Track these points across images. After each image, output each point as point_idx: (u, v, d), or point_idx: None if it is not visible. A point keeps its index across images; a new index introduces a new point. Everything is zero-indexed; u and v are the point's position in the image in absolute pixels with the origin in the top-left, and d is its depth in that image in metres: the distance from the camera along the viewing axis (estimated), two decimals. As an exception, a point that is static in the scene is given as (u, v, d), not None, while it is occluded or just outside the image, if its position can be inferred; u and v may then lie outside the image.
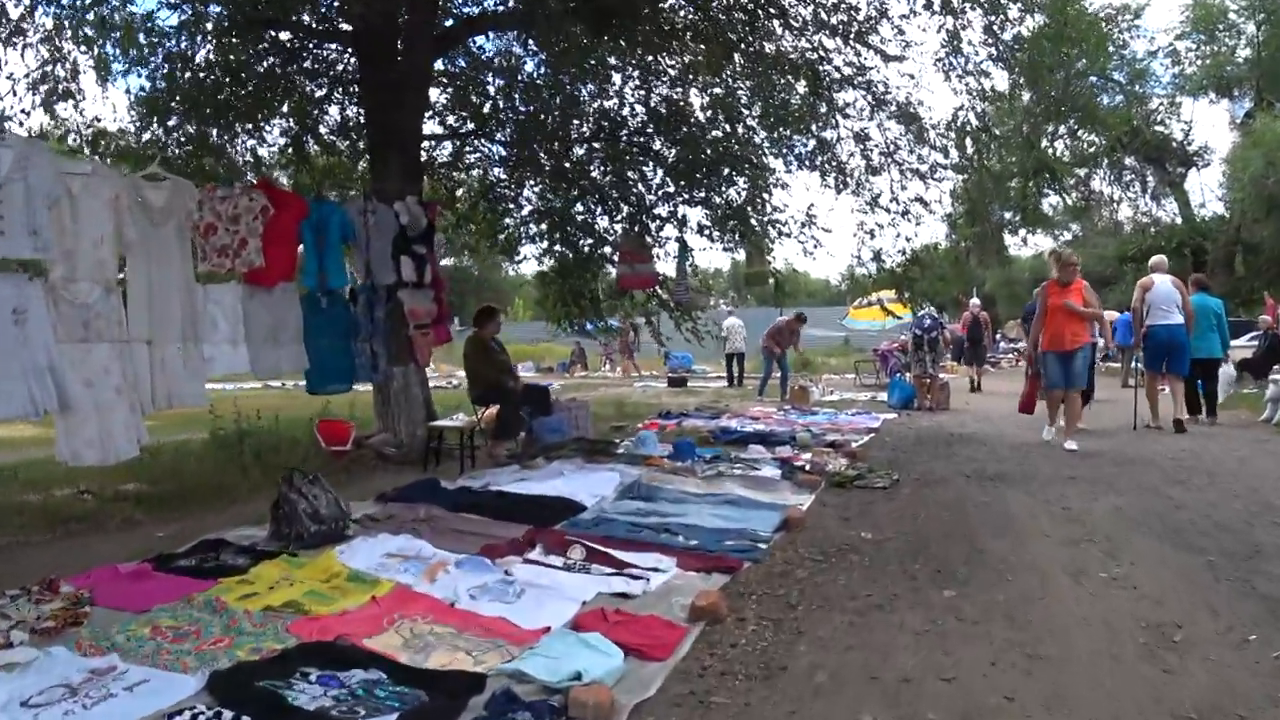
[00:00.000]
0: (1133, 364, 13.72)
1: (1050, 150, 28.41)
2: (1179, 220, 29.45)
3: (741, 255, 10.71)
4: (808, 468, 7.61)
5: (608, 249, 10.44)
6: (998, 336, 41.96)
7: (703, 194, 9.61)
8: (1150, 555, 4.87)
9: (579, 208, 10.22)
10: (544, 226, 10.42)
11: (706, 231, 10.24)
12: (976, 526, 5.56)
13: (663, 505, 6.27)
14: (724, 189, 9.77)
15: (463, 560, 4.77)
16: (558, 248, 10.51)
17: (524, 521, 5.75)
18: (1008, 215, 33.32)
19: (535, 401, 9.70)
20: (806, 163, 10.95)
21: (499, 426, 9.26)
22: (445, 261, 11.57)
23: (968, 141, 10.05)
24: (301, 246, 7.90)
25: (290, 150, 11.03)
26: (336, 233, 8.19)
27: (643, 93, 10.03)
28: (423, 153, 10.45)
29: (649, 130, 9.72)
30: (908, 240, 10.76)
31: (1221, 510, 5.93)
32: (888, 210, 10.84)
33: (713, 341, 12.48)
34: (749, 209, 9.95)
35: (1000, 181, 29.37)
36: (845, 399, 16.37)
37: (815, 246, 10.55)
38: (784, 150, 10.92)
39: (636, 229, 10.05)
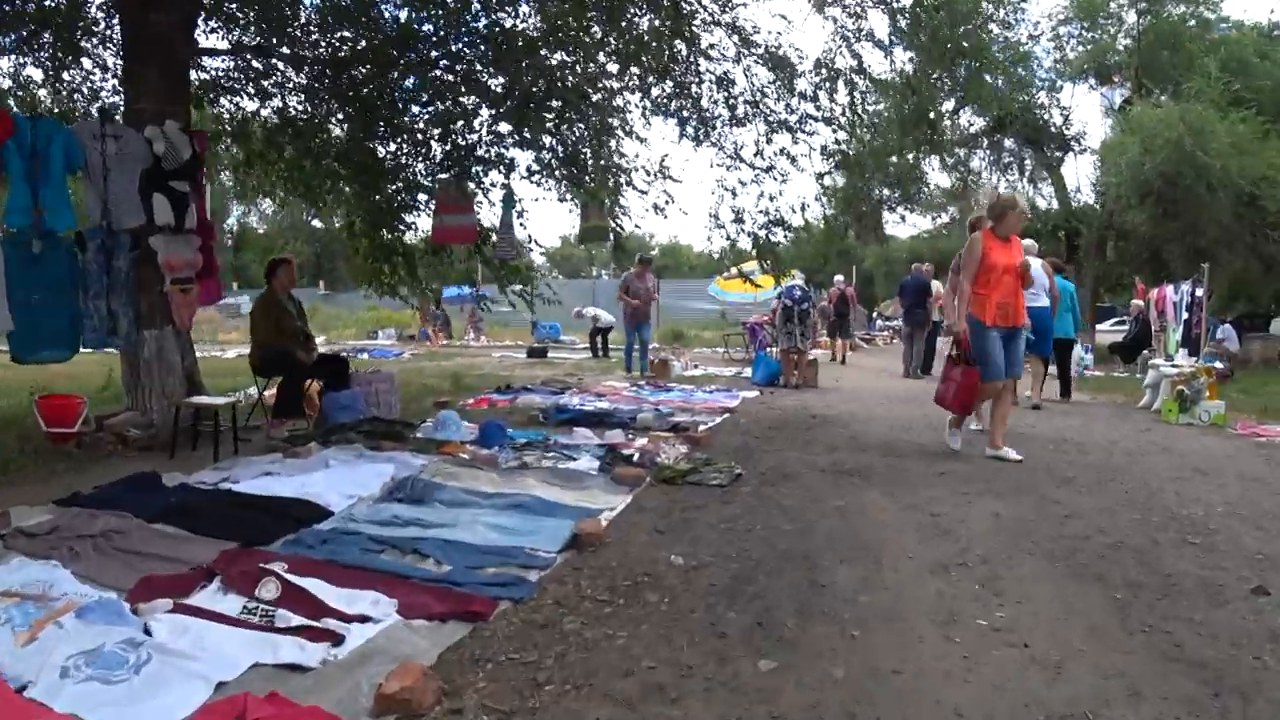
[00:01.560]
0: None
1: (931, 120, 27.85)
2: (1055, 204, 29.32)
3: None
4: (635, 457, 6.30)
5: (423, 197, 8.91)
6: (874, 315, 42.22)
7: (530, 134, 8.11)
8: (1041, 588, 3.70)
9: (391, 147, 8.63)
10: (348, 170, 8.78)
11: (535, 178, 8.80)
12: (822, 545, 4.31)
13: (431, 511, 4.85)
14: (558, 129, 8.28)
15: (91, 606, 3.27)
16: (371, 196, 8.90)
17: (238, 535, 4.28)
18: (886, 192, 32.83)
19: (329, 373, 8.17)
20: (662, 109, 9.61)
21: (279, 402, 7.72)
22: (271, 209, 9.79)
23: (841, 85, 8.84)
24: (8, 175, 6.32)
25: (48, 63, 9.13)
26: (60, 161, 6.58)
27: (468, 16, 8.43)
28: (201, 72, 8.70)
29: (471, 57, 8.15)
30: (771, 200, 9.53)
31: (1119, 521, 4.84)
32: (752, 166, 9.61)
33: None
34: (584, 153, 8.49)
35: (879, 156, 28.83)
36: (709, 374, 15.23)
37: (667, 202, 9.27)
38: (637, 92, 9.56)
39: (455, 174, 8.53)
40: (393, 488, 5.29)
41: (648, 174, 9.14)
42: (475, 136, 8.46)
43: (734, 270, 12.54)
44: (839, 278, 21.90)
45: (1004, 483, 5.88)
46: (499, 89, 7.91)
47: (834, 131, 9.36)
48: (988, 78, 10.54)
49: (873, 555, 4.14)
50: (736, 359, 19.14)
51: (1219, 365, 11.76)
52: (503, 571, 3.82)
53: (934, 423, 8.74)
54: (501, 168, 8.68)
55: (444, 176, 8.70)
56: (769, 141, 9.33)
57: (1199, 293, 15.31)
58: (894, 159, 28.47)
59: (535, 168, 8.45)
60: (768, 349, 15.84)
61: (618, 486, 5.47)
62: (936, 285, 16.40)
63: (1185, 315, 15.55)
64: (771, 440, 7.67)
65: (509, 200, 8.66)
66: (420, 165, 8.88)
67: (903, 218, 33.96)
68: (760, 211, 9.48)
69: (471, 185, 8.59)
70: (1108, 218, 25.55)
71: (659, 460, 6.20)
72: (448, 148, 8.51)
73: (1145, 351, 17.22)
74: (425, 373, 15.13)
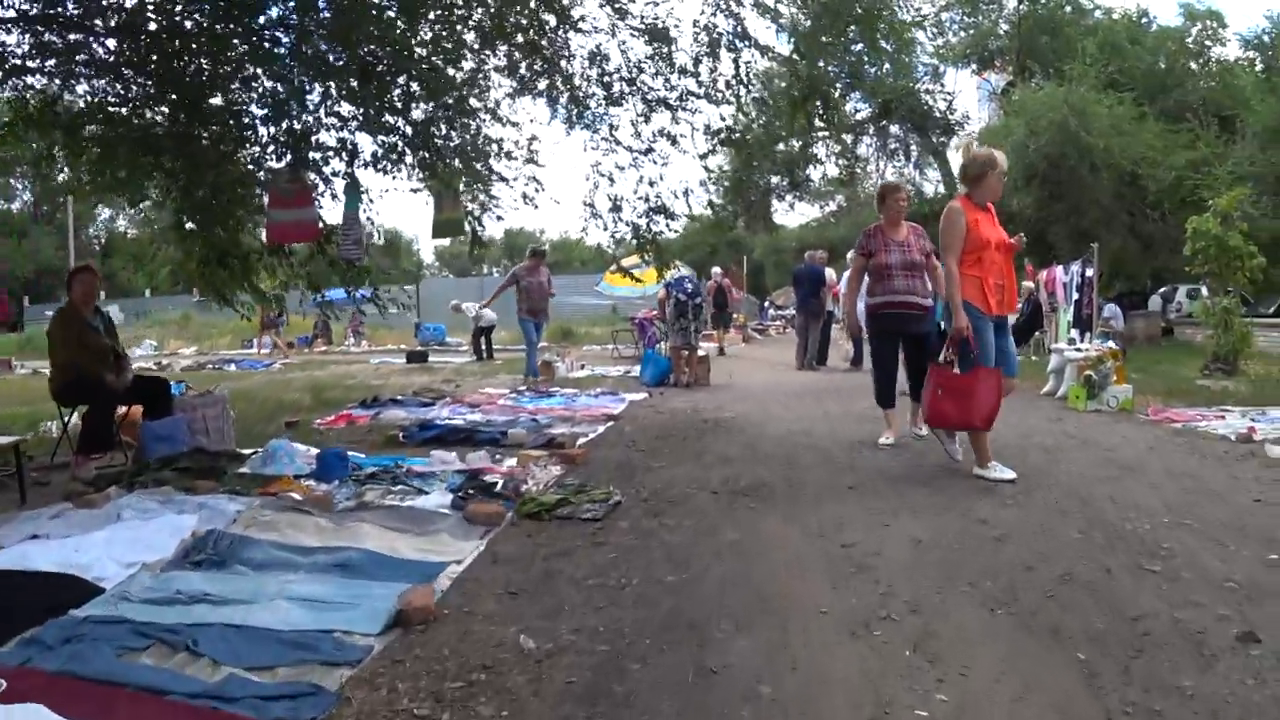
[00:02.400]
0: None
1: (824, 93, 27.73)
2: (942, 188, 29.40)
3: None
4: (499, 486, 5.37)
5: (258, 191, 7.76)
6: (766, 304, 42.01)
7: (373, 114, 7.01)
8: (986, 651, 2.92)
9: (213, 129, 7.41)
10: (169, 161, 7.56)
11: (380, 165, 7.71)
12: (714, 603, 3.45)
13: (230, 579, 3.82)
14: (406, 108, 7.20)
15: None
16: (196, 190, 7.68)
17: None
18: (775, 180, 32.49)
19: (147, 398, 7.02)
20: (530, 88, 8.67)
21: (85, 435, 6.55)
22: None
23: (723, 54, 8.01)
24: None
25: None
26: None
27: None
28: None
29: (304, 25, 7.01)
30: (651, 185, 8.68)
31: (1058, 543, 4.13)
32: (629, 149, 8.74)
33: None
34: (433, 132, 7.43)
35: (767, 138, 28.38)
36: (596, 376, 14.35)
37: (536, 190, 8.34)
38: (503, 70, 8.59)
39: (289, 163, 7.39)
40: (190, 547, 4.24)
41: (511, 159, 8.20)
42: (311, 119, 7.34)
43: (614, 267, 11.70)
44: (716, 270, 21.88)
45: (918, 496, 5.15)
46: (337, 62, 6.83)
47: (717, 107, 8.55)
48: (878, 55, 9.80)
49: (776, 614, 3.31)
50: (626, 356, 18.33)
51: (1112, 345, 11.46)
52: (296, 675, 2.85)
53: (834, 424, 8.07)
54: (343, 154, 7.59)
55: (276, 166, 7.58)
56: (647, 121, 8.48)
57: (1089, 273, 15.10)
58: (781, 146, 28.30)
59: (381, 154, 7.35)
60: (657, 345, 15.06)
61: (471, 529, 4.53)
62: (830, 273, 15.86)
63: (1076, 296, 15.31)
64: (658, 453, 6.83)
65: (353, 191, 7.56)
66: (248, 152, 7.69)
67: (792, 205, 33.56)
68: (640, 198, 8.63)
69: (311, 175, 7.47)
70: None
71: (524, 489, 5.28)
72: (277, 132, 7.37)
73: (1038, 333, 17.03)
74: (292, 385, 13.85)
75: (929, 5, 27.65)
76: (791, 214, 72.21)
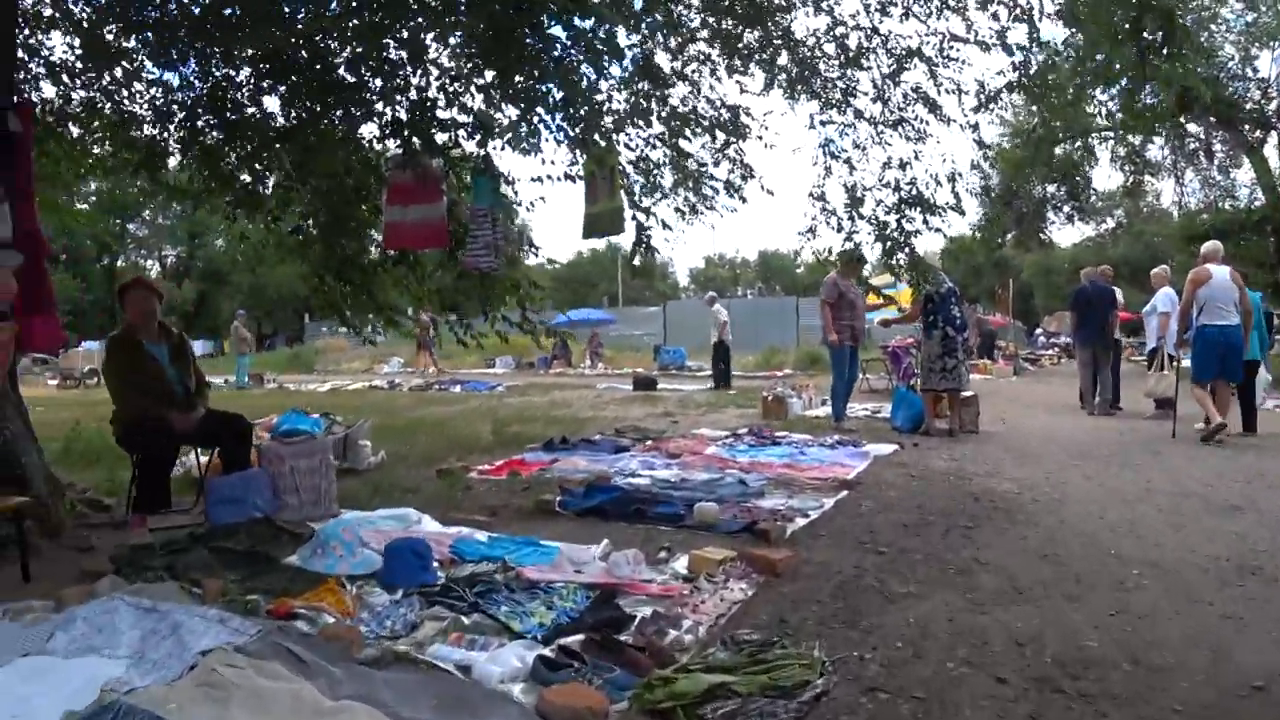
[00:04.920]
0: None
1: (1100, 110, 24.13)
2: (1259, 193, 24.56)
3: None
4: (632, 626, 3.31)
5: (375, 182, 6.05)
6: (1037, 330, 37.80)
7: (505, 74, 5.01)
8: None
9: (331, 111, 5.76)
10: (295, 154, 5.96)
11: (524, 141, 5.50)
12: None
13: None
14: (546, 63, 5.11)
15: None
16: (309, 182, 6.08)
17: None
18: (1050, 189, 28.68)
19: (219, 442, 5.52)
20: (738, 51, 6.54)
21: (140, 491, 5.09)
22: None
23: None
24: None
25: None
26: None
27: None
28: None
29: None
30: (903, 168, 6.33)
31: None
32: (872, 120, 6.46)
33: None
34: (581, 98, 5.25)
35: (1039, 148, 24.82)
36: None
37: (744, 177, 6.23)
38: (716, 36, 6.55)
39: (401, 145, 5.58)
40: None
41: (708, 130, 6.08)
42: (429, 82, 5.54)
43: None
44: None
45: None
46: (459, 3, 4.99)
47: (992, 54, 6.12)
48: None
49: None
50: (877, 389, 15.77)
51: None
52: None
53: (1171, 515, 5.49)
54: (464, 130, 5.64)
55: (392, 151, 5.84)
56: (895, 82, 6.17)
57: None
58: (1059, 149, 24.67)
59: (523, 127, 5.38)
60: (912, 379, 12.40)
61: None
62: (1118, 293, 12.70)
63: None
64: (905, 561, 4.50)
65: (483, 180, 5.66)
66: (368, 135, 6.00)
67: (1071, 218, 29.40)
68: (886, 186, 6.31)
69: (437, 162, 5.66)
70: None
71: (671, 639, 3.18)
72: (393, 108, 5.61)
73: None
74: (492, 414, 12.45)
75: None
76: (1064, 231, 65.77)
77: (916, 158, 6.34)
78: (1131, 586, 4.06)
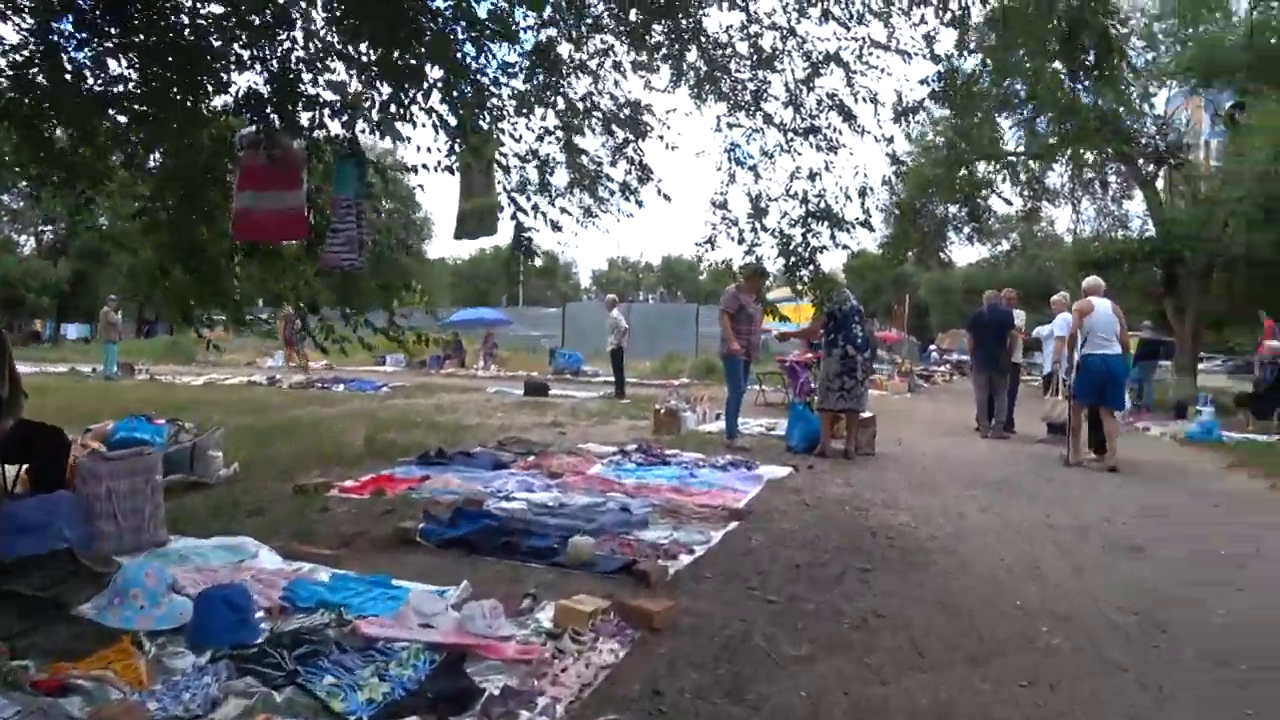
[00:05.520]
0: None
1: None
2: (1150, 227, 25.21)
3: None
4: (477, 708, 2.79)
5: (228, 163, 5.36)
6: (930, 347, 38.37)
7: (379, 44, 4.39)
8: None
9: (182, 78, 5.04)
10: (138, 126, 5.25)
11: (387, 121, 4.59)
12: None
13: None
14: (426, 36, 4.46)
15: None
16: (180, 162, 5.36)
17: None
18: (952, 209, 29.00)
19: (32, 457, 4.79)
20: (643, 44, 6.06)
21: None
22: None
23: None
24: None
25: None
26: None
27: None
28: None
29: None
30: (812, 179, 5.93)
31: None
32: (781, 127, 6.05)
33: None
34: (464, 79, 4.70)
35: (950, 168, 25.08)
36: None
37: (640, 179, 5.76)
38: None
39: (255, 121, 4.88)
40: None
41: (604, 121, 5.60)
42: (290, 48, 4.85)
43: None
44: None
45: None
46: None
47: (912, 62, 5.77)
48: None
49: None
50: (773, 402, 15.48)
51: None
52: None
53: (1074, 556, 5.23)
54: (329, 109, 4.89)
55: (243, 131, 5.14)
56: (809, 87, 5.78)
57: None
58: (963, 171, 24.99)
59: (393, 106, 4.73)
60: (809, 396, 12.07)
61: None
62: (1020, 316, 12.70)
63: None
64: (795, 613, 4.05)
65: (345, 165, 5.00)
66: (218, 100, 5.23)
67: (971, 239, 29.70)
68: (793, 197, 5.91)
69: (298, 143, 5.01)
70: (1218, 241, 21.59)
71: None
72: (249, 78, 4.93)
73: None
74: (371, 418, 11.70)
75: (1138, 15, 23.90)
76: (961, 251, 67.37)
77: (827, 169, 5.97)
78: (1041, 647, 3.72)
